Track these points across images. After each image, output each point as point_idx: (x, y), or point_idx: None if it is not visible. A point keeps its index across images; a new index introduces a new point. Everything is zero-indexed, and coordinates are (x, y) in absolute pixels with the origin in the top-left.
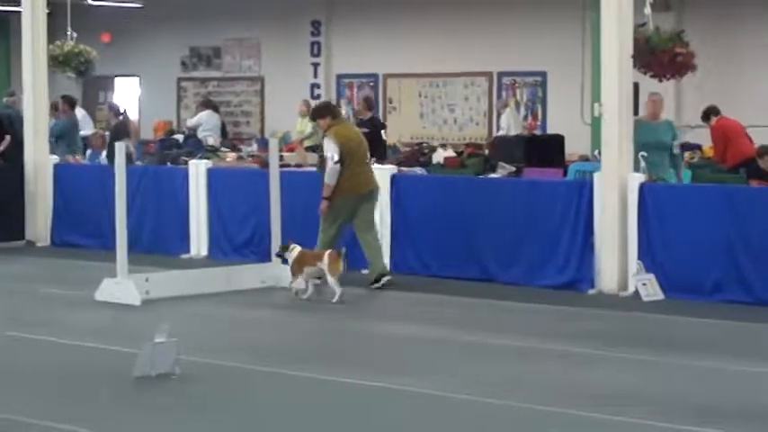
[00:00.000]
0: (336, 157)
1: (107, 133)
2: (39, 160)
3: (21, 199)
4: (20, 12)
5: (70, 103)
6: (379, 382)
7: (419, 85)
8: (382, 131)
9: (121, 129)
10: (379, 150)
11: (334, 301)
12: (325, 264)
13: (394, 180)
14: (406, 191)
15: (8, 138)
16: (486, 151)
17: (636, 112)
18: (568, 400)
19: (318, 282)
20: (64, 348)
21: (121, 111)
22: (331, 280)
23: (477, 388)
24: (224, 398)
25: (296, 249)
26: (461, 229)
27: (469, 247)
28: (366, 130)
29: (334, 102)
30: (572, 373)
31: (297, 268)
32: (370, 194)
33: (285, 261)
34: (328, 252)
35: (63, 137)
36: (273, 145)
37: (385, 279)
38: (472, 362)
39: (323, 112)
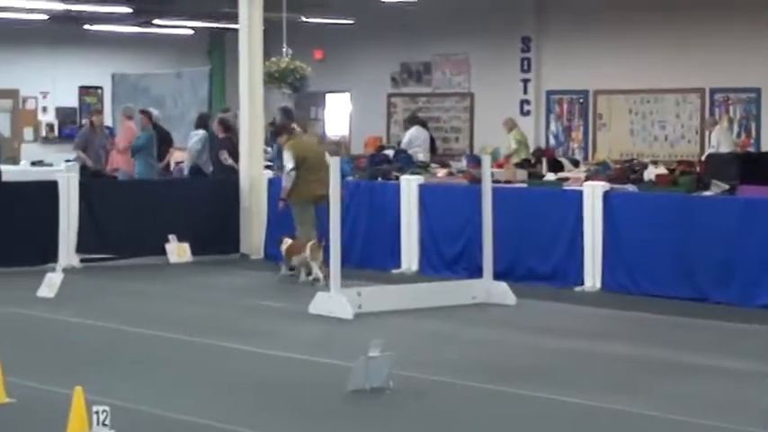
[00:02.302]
0: (291, 165)
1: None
2: (254, 175)
3: (236, 213)
4: (234, 29)
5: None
6: (590, 401)
7: (629, 102)
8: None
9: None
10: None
11: (311, 278)
12: (307, 253)
13: (606, 197)
14: (618, 208)
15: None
16: (698, 169)
17: None
18: None
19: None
20: (280, 360)
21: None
22: (313, 264)
23: (687, 408)
24: (437, 413)
25: (287, 242)
26: (674, 247)
27: (682, 266)
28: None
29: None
30: None
31: (287, 257)
32: (322, 199)
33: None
34: (310, 244)
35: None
36: (486, 161)
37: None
38: (683, 382)
39: (279, 132)
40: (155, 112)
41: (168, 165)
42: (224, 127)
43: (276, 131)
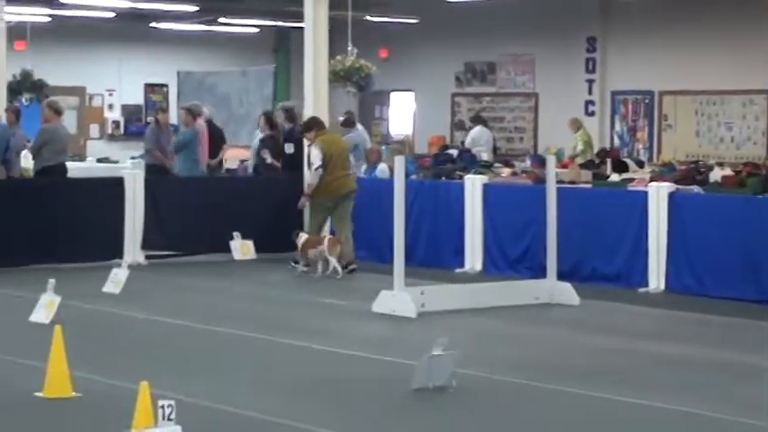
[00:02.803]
0: (319, 163)
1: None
2: None
3: (300, 211)
4: (299, 27)
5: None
6: (652, 402)
7: (695, 103)
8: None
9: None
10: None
11: (328, 272)
12: (325, 246)
13: (672, 198)
14: (683, 209)
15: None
16: (765, 171)
17: None
18: None
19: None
20: (343, 358)
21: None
22: (330, 258)
23: (747, 411)
24: (500, 412)
25: (303, 237)
26: (740, 249)
27: (748, 268)
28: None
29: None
30: None
31: (303, 251)
32: (349, 195)
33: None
34: (327, 238)
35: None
36: (551, 161)
37: (351, 267)
38: (745, 385)
39: (310, 126)
40: (210, 108)
41: (221, 162)
42: (269, 125)
43: (304, 128)
